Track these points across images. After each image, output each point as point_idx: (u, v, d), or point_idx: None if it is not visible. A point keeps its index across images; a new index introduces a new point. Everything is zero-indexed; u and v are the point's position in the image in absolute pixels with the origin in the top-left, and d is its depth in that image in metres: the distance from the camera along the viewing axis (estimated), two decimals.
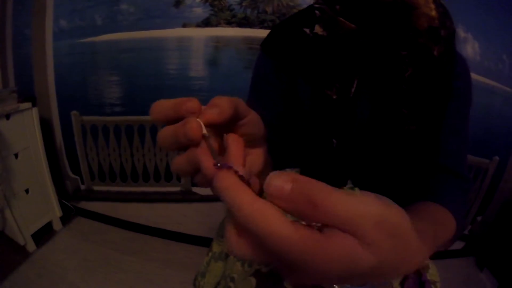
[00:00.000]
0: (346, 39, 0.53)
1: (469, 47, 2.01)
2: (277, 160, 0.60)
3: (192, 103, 0.28)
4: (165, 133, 0.29)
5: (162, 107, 0.29)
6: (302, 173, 0.61)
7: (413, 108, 0.52)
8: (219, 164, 0.25)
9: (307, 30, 0.57)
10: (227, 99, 0.30)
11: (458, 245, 2.20)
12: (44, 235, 2.00)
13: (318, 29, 0.55)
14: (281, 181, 0.21)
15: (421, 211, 0.51)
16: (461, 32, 1.98)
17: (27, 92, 2.02)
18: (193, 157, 0.29)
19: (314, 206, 0.20)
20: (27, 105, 1.82)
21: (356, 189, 0.59)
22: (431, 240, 0.41)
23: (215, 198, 0.24)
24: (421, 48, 0.51)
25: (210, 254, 0.74)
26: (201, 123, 0.28)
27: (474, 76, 2.12)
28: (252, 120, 0.34)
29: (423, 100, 0.52)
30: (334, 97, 0.54)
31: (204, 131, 0.28)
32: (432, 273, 0.67)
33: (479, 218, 2.22)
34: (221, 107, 0.29)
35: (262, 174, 0.42)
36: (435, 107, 0.53)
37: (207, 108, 0.29)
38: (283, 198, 0.20)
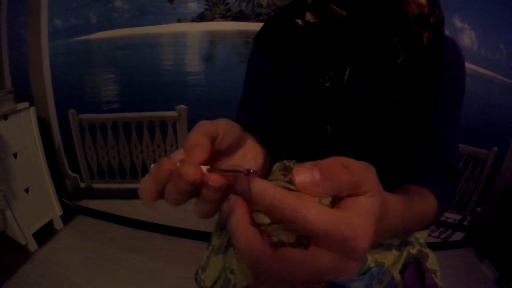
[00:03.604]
0: (338, 26, 0.54)
1: (466, 37, 2.00)
2: (273, 152, 0.60)
3: (165, 164, 0.28)
4: (167, 191, 0.29)
5: (147, 188, 0.30)
6: (298, 163, 0.62)
7: (405, 94, 0.53)
8: (251, 171, 0.26)
9: (299, 21, 0.57)
10: (202, 133, 0.30)
11: (458, 236, 2.21)
12: (45, 234, 2.00)
13: (309, 16, 0.56)
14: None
15: (400, 188, 0.53)
16: (457, 22, 1.97)
17: (24, 92, 2.02)
18: (211, 199, 0.28)
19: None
20: (25, 105, 1.81)
21: None
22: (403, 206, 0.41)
23: None
24: (411, 34, 0.52)
25: (210, 247, 0.74)
26: (197, 165, 0.27)
27: (471, 66, 2.11)
28: (226, 130, 0.34)
29: (414, 85, 0.53)
30: (327, 84, 0.55)
31: (204, 169, 0.28)
32: (432, 262, 0.68)
33: (478, 209, 2.22)
34: (201, 145, 0.29)
35: (264, 165, 0.42)
36: (425, 92, 0.54)
37: (190, 152, 0.28)
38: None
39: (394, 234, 0.38)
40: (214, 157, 0.33)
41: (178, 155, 0.31)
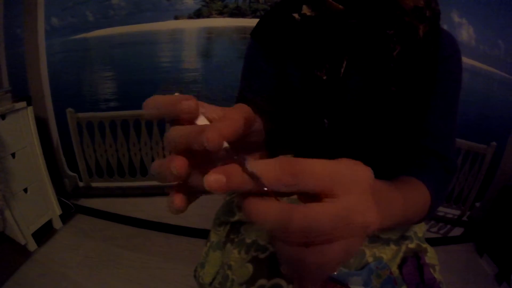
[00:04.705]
0: (334, 20, 0.54)
1: (464, 32, 1.99)
2: (270, 147, 0.60)
3: (188, 103, 0.26)
4: (175, 134, 0.26)
5: (155, 103, 0.27)
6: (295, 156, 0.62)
7: (402, 86, 0.53)
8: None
9: (296, 15, 0.57)
10: (239, 112, 0.29)
11: (457, 231, 2.22)
12: (44, 234, 2.00)
13: (306, 10, 0.56)
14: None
15: (393, 181, 0.52)
16: (455, 17, 1.97)
17: (21, 92, 2.01)
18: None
19: (294, 175, 0.23)
20: (22, 104, 1.80)
21: None
22: (397, 199, 0.41)
23: None
24: (407, 26, 0.52)
25: (208, 244, 0.74)
26: (222, 137, 0.25)
27: (469, 61, 2.10)
28: (258, 128, 0.34)
29: (410, 78, 0.53)
30: (324, 77, 0.55)
31: (226, 144, 0.25)
32: (431, 256, 0.68)
33: (477, 204, 2.23)
34: (234, 120, 0.27)
35: None
36: (422, 85, 0.54)
37: (221, 121, 0.26)
38: (270, 179, 0.23)
39: (389, 222, 0.38)
40: None
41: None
